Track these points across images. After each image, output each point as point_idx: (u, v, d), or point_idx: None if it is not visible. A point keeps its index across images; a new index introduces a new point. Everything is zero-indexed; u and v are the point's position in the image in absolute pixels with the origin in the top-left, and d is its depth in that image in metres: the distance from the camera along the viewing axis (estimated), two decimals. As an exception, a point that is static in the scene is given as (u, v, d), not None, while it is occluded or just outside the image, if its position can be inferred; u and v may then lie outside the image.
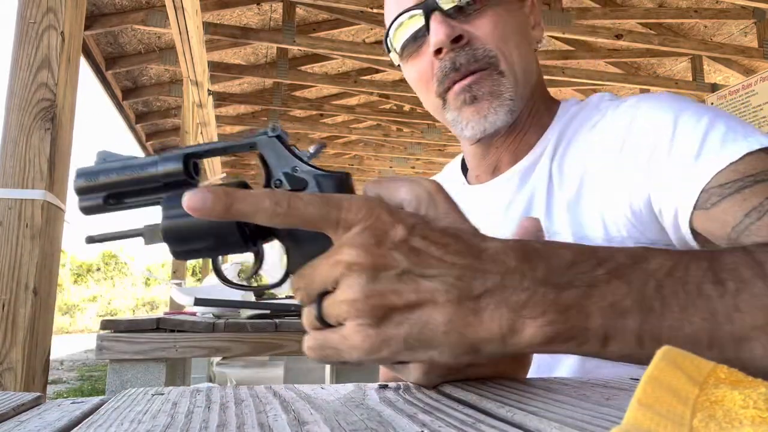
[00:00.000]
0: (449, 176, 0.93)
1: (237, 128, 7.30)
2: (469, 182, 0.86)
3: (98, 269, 21.15)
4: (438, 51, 0.72)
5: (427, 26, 0.72)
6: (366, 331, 0.37)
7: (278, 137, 0.44)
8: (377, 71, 6.11)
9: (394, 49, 0.80)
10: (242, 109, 6.80)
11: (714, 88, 5.69)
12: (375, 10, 4.43)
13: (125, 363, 2.66)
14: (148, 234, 0.44)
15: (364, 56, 5.19)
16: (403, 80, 6.02)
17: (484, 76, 0.72)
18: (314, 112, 6.88)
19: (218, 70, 5.24)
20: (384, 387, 0.47)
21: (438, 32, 0.70)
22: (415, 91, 0.83)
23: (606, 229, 0.68)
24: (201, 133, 5.62)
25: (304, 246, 0.42)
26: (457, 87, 0.72)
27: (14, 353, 1.47)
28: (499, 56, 0.72)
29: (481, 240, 0.40)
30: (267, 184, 0.44)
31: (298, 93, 6.54)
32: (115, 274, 21.34)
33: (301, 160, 0.44)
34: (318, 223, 0.39)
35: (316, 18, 5.19)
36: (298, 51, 5.55)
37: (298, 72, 5.62)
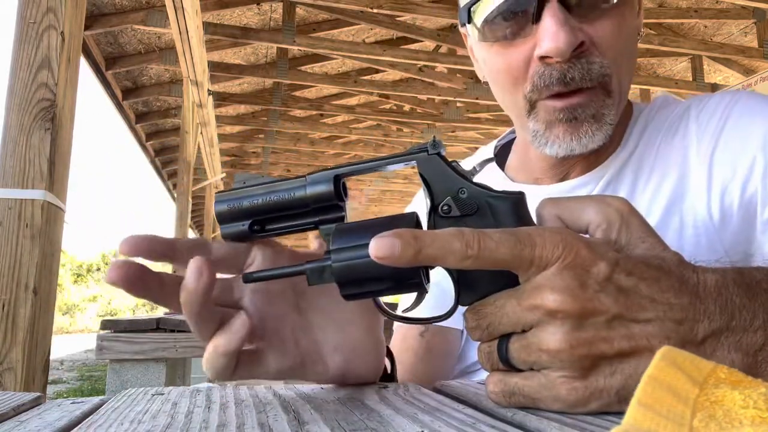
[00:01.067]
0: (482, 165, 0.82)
1: (237, 128, 7.30)
2: (512, 179, 0.75)
3: (98, 269, 21.15)
4: (547, 56, 0.58)
5: (538, 14, 0.57)
6: (572, 384, 0.34)
7: (439, 154, 0.39)
8: (377, 71, 6.11)
9: (474, 23, 0.64)
10: (242, 109, 6.80)
11: (714, 88, 5.69)
12: (375, 10, 4.43)
13: (125, 363, 2.67)
14: (314, 274, 0.38)
15: (364, 56, 5.19)
16: (403, 80, 6.02)
17: (591, 97, 0.60)
18: (314, 112, 6.88)
19: (218, 70, 5.24)
20: (384, 387, 0.47)
21: (558, 38, 0.55)
22: (487, 79, 0.70)
23: (682, 241, 0.64)
24: (201, 133, 5.62)
25: (477, 279, 0.38)
26: (559, 103, 0.60)
27: (14, 353, 1.47)
28: (613, 74, 0.60)
29: (692, 271, 0.35)
30: (433, 209, 0.39)
31: (298, 93, 6.54)
32: (115, 274, 21.35)
33: (465, 178, 0.39)
34: (510, 264, 0.34)
35: (316, 18, 5.19)
36: (298, 51, 5.55)
37: (298, 72, 5.62)
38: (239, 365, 0.41)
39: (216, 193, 0.42)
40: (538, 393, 0.35)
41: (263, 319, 0.43)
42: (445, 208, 0.38)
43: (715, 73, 6.07)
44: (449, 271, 0.38)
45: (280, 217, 0.42)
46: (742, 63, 5.77)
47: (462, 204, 0.38)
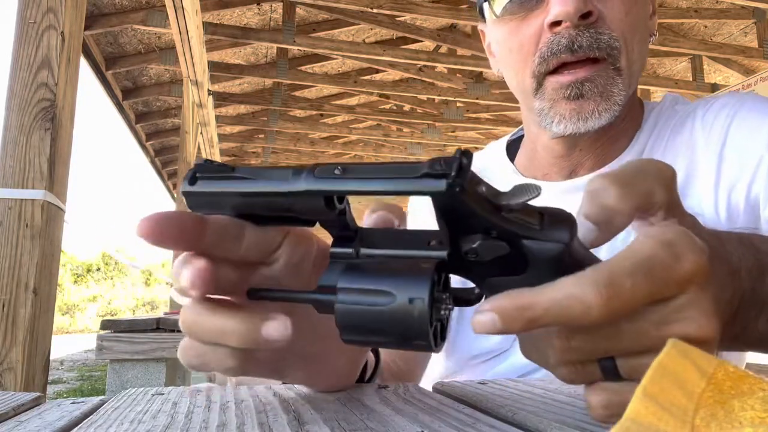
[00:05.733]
0: (492, 158, 0.80)
1: (237, 128, 7.30)
2: (522, 173, 0.75)
3: (98, 269, 21.16)
4: (556, 23, 0.60)
5: None
6: None
7: (462, 187, 0.28)
8: (377, 71, 6.11)
9: (490, 4, 0.66)
10: (242, 109, 6.80)
11: (714, 88, 5.69)
12: (375, 10, 4.43)
13: (125, 363, 2.67)
14: (322, 306, 0.33)
15: (364, 56, 5.19)
16: (402, 80, 6.02)
17: (599, 71, 0.61)
18: (314, 112, 6.88)
19: (218, 70, 5.24)
20: (384, 387, 0.47)
21: (567, 1, 0.58)
22: (498, 61, 0.71)
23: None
24: (201, 133, 5.62)
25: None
26: (565, 78, 0.61)
27: (14, 353, 1.47)
28: (622, 48, 0.61)
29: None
30: (455, 252, 0.30)
31: (298, 93, 6.54)
32: (115, 274, 21.36)
33: (497, 208, 0.29)
34: (646, 302, 0.27)
35: (316, 18, 5.19)
36: (298, 51, 5.55)
37: (298, 72, 5.62)
38: None
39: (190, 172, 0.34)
40: None
41: None
42: (472, 255, 0.30)
43: (715, 73, 6.07)
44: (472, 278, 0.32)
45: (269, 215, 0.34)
46: (742, 63, 5.77)
47: (490, 248, 0.30)
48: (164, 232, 0.30)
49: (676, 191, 0.33)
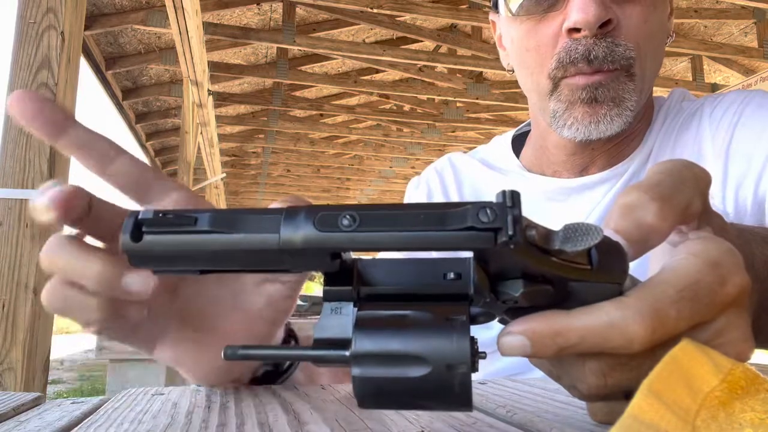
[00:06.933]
0: (497, 154, 0.80)
1: (237, 128, 7.30)
2: (528, 169, 0.75)
3: (98, 269, 21.17)
4: (575, 29, 0.59)
5: None
6: None
7: (512, 238, 0.23)
8: (377, 71, 6.11)
9: (506, 0, 0.65)
10: (242, 109, 6.80)
11: (714, 88, 5.69)
12: (375, 10, 4.43)
13: (125, 363, 2.67)
14: (325, 361, 0.27)
15: (364, 56, 5.19)
16: (402, 80, 6.03)
17: (612, 77, 0.61)
18: (314, 112, 6.88)
19: (218, 70, 5.24)
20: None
21: (587, 9, 0.57)
22: (510, 57, 0.71)
23: None
24: (201, 133, 5.62)
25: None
26: (581, 80, 0.60)
27: (14, 353, 1.47)
28: (636, 58, 0.61)
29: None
30: (491, 297, 0.26)
31: (298, 93, 6.54)
32: (115, 274, 21.36)
33: (546, 252, 0.25)
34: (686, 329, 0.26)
35: (316, 18, 5.20)
36: (298, 51, 5.55)
37: (298, 72, 5.62)
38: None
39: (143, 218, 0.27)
40: None
41: None
42: (511, 302, 0.26)
43: (715, 73, 6.07)
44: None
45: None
46: (742, 63, 5.77)
47: (534, 294, 0.26)
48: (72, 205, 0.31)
49: (708, 196, 0.31)
